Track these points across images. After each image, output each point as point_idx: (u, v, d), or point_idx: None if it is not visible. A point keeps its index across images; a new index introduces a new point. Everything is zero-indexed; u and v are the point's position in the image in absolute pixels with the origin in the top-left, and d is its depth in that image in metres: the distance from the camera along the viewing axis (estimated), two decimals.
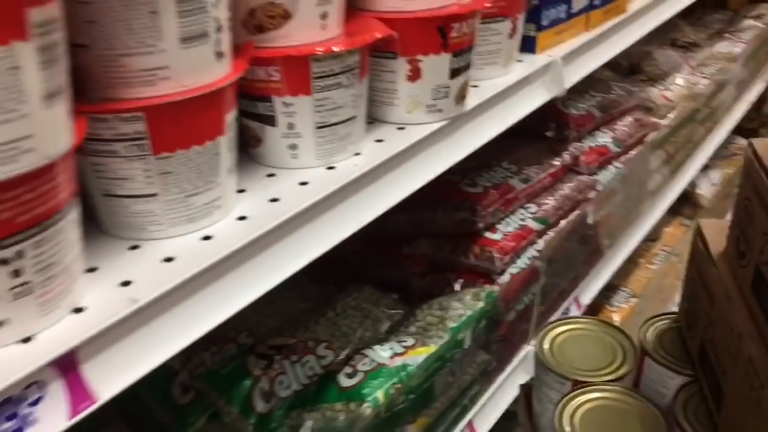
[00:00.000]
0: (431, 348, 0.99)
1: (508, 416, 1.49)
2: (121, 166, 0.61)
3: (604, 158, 1.43)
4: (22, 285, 0.51)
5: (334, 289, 1.17)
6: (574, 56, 1.14)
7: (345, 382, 0.94)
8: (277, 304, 1.14)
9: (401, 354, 0.98)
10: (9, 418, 0.50)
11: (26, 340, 0.53)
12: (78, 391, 0.54)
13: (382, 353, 0.98)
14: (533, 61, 1.07)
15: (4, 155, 0.46)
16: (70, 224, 0.54)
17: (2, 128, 0.46)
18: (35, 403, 0.51)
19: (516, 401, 1.23)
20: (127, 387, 0.57)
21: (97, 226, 0.66)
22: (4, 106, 0.45)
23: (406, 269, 1.19)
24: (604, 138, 1.46)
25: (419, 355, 0.98)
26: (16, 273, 0.50)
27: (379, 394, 0.91)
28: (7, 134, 0.46)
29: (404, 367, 0.96)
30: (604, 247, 1.45)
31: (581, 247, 1.37)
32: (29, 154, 0.47)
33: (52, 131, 0.49)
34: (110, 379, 0.55)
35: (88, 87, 0.59)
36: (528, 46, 1.09)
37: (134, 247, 0.64)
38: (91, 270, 0.61)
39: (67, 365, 0.53)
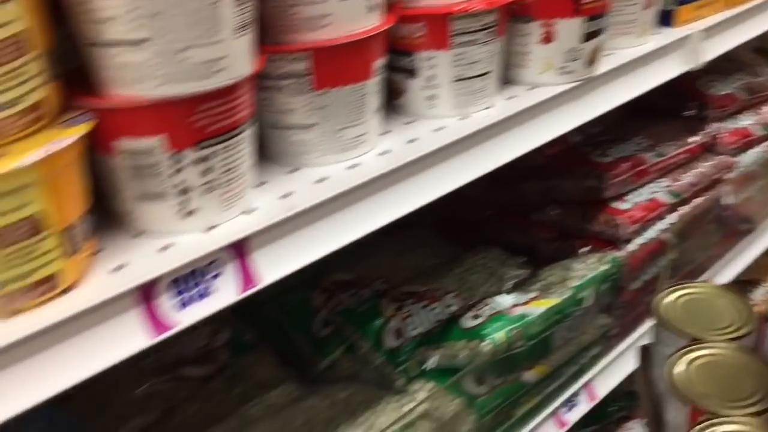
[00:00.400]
0: (552, 301, 1.05)
1: (632, 396, 1.51)
2: (287, 99, 0.73)
3: (746, 140, 1.40)
4: (210, 182, 0.64)
5: (464, 250, 1.25)
6: (713, 32, 1.15)
7: (468, 323, 1.02)
8: (410, 258, 1.24)
9: (523, 304, 1.05)
10: (195, 285, 0.63)
11: (210, 228, 0.66)
12: (246, 274, 0.66)
13: (504, 302, 1.05)
14: (670, 34, 1.10)
15: (204, 72, 0.59)
16: (248, 139, 0.67)
17: (204, 50, 0.58)
18: (214, 277, 0.64)
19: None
20: (284, 275, 0.68)
21: (263, 154, 0.78)
22: (207, 32, 0.58)
23: (534, 235, 1.25)
24: (747, 120, 1.44)
25: (540, 307, 1.04)
26: (207, 171, 0.63)
27: (499, 335, 0.98)
28: (207, 55, 0.59)
29: (524, 316, 1.02)
30: (742, 232, 1.43)
31: (716, 228, 1.36)
32: (222, 72, 0.60)
33: (240, 57, 0.62)
34: (272, 268, 0.67)
35: (265, 32, 0.71)
36: (666, 19, 1.11)
37: (293, 171, 0.76)
38: (259, 185, 0.74)
39: (239, 251, 0.65)
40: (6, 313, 0.55)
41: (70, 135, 0.55)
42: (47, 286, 0.56)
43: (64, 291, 0.58)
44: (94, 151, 0.61)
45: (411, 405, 0.99)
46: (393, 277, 1.17)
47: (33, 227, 0.53)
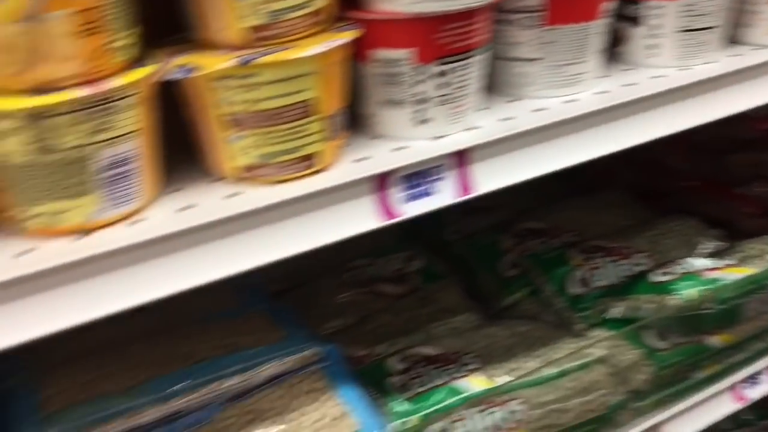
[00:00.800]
0: (749, 270, 1.03)
1: None
2: (517, 33, 0.80)
3: None
4: (444, 96, 0.73)
5: (658, 216, 1.25)
6: None
7: (657, 278, 1.04)
8: (602, 216, 1.27)
9: (716, 269, 1.04)
10: (419, 185, 0.72)
11: (438, 137, 0.75)
12: (464, 181, 0.74)
13: (697, 264, 1.05)
14: None
15: None
16: (480, 63, 0.75)
17: None
18: (437, 180, 0.73)
19: None
20: (495, 189, 0.75)
21: (486, 84, 0.86)
22: None
23: (734, 209, 1.23)
24: None
25: (734, 274, 1.03)
26: (443, 86, 0.72)
27: (688, 292, 0.99)
28: None
29: (716, 280, 1.02)
30: None
31: None
32: None
33: None
34: (487, 180, 0.75)
35: None
36: None
37: (513, 100, 0.83)
38: (482, 109, 0.81)
39: (461, 160, 0.73)
40: (272, 181, 0.68)
41: (341, 38, 0.66)
42: (308, 163, 0.68)
43: (318, 170, 0.70)
44: (353, 58, 0.72)
45: (589, 348, 1.03)
46: (584, 232, 1.21)
47: (306, 110, 0.65)
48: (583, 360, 1.01)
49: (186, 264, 0.62)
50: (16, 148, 0.56)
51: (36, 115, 0.55)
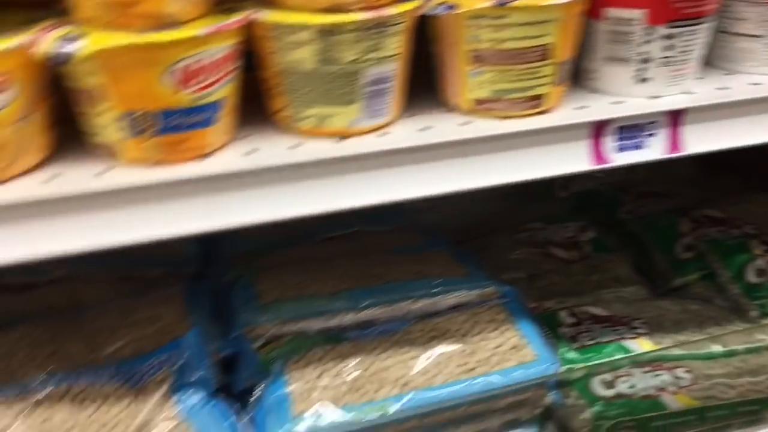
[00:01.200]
0: None
1: None
2: (744, 9, 0.83)
3: None
4: (668, 57, 0.77)
5: None
6: None
7: None
8: None
9: None
10: (633, 137, 0.78)
11: (654, 97, 0.80)
12: (675, 140, 0.79)
13: None
14: None
15: None
16: (707, 31, 0.79)
17: None
18: (649, 135, 0.78)
19: None
20: (703, 151, 0.79)
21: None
22: None
23: None
24: None
25: None
26: (668, 48, 0.77)
27: None
28: None
29: None
30: None
31: None
32: None
33: None
34: (697, 142, 0.79)
35: None
36: None
37: (729, 74, 0.87)
38: (698, 79, 0.85)
39: (675, 120, 0.78)
40: (501, 116, 0.76)
41: None
42: (535, 103, 0.75)
43: (543, 111, 0.77)
44: (587, 14, 0.78)
45: (761, 335, 1.04)
46: (764, 226, 1.20)
47: (543, 54, 0.73)
48: (755, 344, 1.02)
49: (424, 175, 0.72)
50: (306, 56, 0.68)
51: (327, 31, 0.66)
